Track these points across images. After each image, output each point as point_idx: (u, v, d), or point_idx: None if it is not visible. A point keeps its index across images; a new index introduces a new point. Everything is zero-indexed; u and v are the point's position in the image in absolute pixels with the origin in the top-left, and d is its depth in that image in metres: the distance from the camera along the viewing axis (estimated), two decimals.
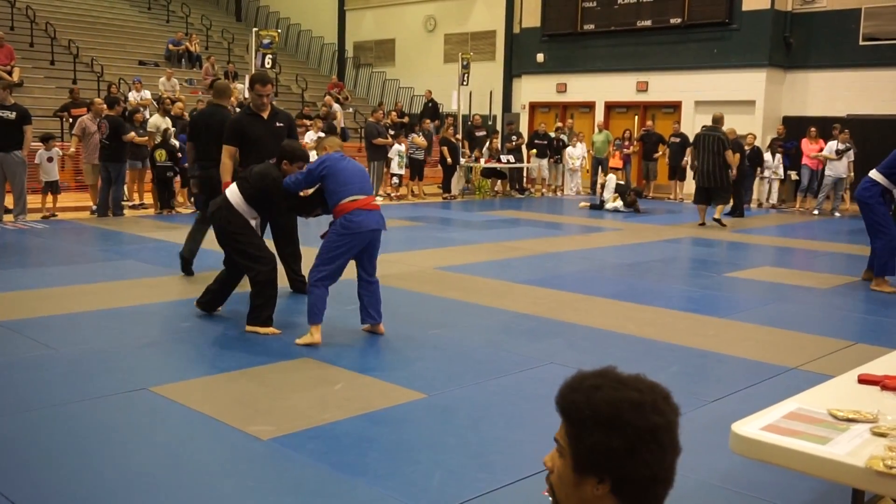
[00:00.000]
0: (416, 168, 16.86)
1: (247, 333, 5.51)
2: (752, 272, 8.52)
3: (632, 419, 1.34)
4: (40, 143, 12.06)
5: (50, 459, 3.38)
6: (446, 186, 17.29)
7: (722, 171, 12.36)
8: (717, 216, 12.85)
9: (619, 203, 14.81)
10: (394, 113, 17.76)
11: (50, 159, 11.95)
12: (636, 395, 1.36)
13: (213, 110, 7.66)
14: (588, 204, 14.89)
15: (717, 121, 12.81)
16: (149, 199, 13.18)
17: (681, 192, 17.49)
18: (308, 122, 16.73)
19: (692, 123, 17.62)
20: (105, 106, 11.98)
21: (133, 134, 12.09)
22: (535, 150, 18.20)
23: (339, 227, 5.24)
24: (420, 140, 16.72)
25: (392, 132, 16.49)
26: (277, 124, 6.66)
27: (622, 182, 16.21)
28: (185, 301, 6.46)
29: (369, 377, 4.61)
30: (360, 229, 5.23)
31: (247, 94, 17.70)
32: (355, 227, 5.22)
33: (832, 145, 15.24)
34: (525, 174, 18.92)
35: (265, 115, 6.62)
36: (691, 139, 16.50)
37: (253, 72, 16.52)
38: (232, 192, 5.60)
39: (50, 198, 11.88)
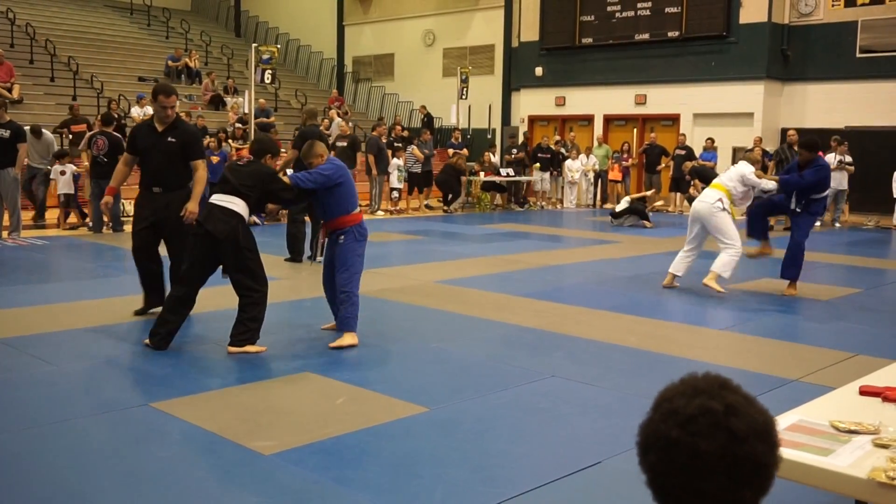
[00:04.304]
0: (414, 181, 16.85)
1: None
2: (752, 284, 8.52)
3: (661, 429, 1.25)
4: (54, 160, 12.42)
5: (51, 476, 3.38)
6: (446, 200, 17.30)
7: None
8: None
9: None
10: (398, 127, 17.76)
11: (63, 173, 12.15)
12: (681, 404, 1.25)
13: (312, 129, 9.19)
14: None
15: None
16: None
17: (680, 205, 17.50)
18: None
19: (691, 136, 17.67)
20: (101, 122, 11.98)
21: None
22: (538, 164, 18.24)
23: (357, 234, 5.67)
24: (419, 152, 16.70)
25: (398, 145, 16.52)
26: (169, 139, 6.33)
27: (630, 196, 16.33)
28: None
29: (371, 391, 4.61)
30: (366, 236, 5.78)
31: (246, 109, 17.72)
32: (366, 233, 5.77)
33: (830, 158, 15.30)
34: (526, 187, 18.94)
35: (161, 128, 6.36)
36: (697, 152, 16.64)
37: (252, 87, 16.65)
38: (238, 205, 5.40)
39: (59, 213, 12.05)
